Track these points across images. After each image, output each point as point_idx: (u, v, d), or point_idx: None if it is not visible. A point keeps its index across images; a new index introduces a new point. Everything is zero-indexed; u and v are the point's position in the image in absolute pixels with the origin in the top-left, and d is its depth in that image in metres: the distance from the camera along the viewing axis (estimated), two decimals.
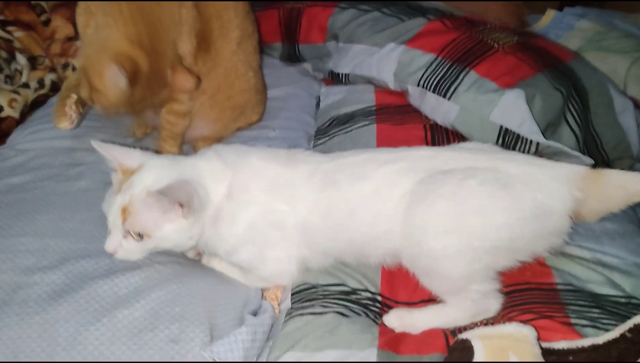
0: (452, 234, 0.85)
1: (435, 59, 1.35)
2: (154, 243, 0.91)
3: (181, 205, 0.88)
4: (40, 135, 1.32)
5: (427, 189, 0.88)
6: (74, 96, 1.28)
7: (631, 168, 1.38)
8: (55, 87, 1.60)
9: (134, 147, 1.00)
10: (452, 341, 0.85)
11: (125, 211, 0.88)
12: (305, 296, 0.96)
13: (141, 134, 1.41)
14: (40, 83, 1.60)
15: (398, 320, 0.90)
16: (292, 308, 0.94)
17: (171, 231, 0.90)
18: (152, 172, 0.92)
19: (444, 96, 1.30)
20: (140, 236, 0.89)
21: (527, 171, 0.89)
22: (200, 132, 1.40)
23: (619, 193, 0.90)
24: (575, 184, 0.88)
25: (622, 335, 0.79)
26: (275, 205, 0.95)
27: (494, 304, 0.90)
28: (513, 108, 1.21)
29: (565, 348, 0.82)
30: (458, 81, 1.29)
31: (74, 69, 1.62)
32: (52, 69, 1.63)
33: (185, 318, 0.86)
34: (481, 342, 0.81)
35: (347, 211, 0.92)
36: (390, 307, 0.94)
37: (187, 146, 1.40)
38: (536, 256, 0.91)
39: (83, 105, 1.30)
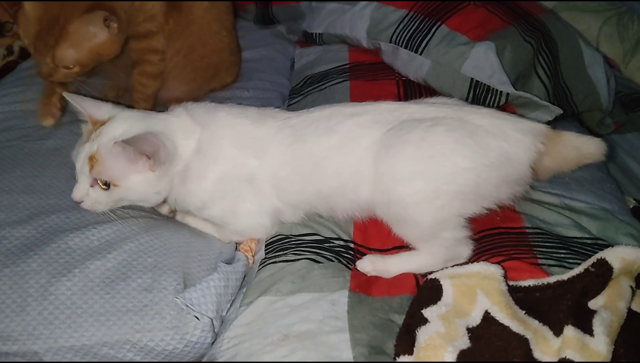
0: (419, 178, 0.86)
1: (407, 15, 1.35)
2: (120, 194, 0.91)
3: (148, 157, 0.88)
4: (10, 98, 1.30)
5: (394, 136, 0.88)
6: (59, 92, 1.25)
7: (601, 121, 1.40)
8: (25, 54, 1.57)
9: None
10: (421, 281, 0.87)
11: (92, 160, 0.88)
12: (279, 246, 0.96)
13: (113, 96, 1.39)
14: (9, 50, 1.58)
15: (371, 264, 0.91)
16: (265, 257, 0.95)
17: (137, 182, 0.90)
18: (121, 123, 0.92)
19: (416, 51, 1.30)
20: (107, 185, 0.89)
21: (492, 123, 0.90)
22: (173, 94, 1.38)
23: (573, 153, 0.93)
24: (538, 138, 0.90)
25: (586, 270, 0.81)
26: (244, 159, 0.95)
27: (465, 250, 0.92)
28: (483, 60, 1.21)
29: (532, 285, 0.84)
30: (429, 35, 1.29)
31: None
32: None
33: (158, 268, 0.87)
34: (450, 281, 0.82)
35: (312, 164, 0.93)
36: (363, 254, 0.96)
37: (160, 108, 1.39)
38: (501, 204, 0.92)
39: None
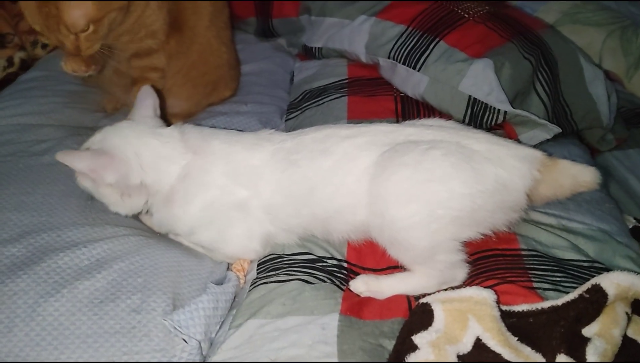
0: (414, 202, 0.85)
1: (406, 30, 1.34)
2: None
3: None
4: (7, 112, 1.30)
5: (390, 159, 0.88)
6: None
7: (602, 138, 1.38)
8: (25, 66, 1.58)
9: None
10: (414, 304, 0.85)
11: None
12: (271, 266, 0.96)
13: (111, 109, 1.40)
14: (10, 61, 1.58)
15: (364, 285, 0.90)
16: (257, 277, 0.94)
17: (90, 188, 0.96)
18: (107, 132, 0.96)
19: (414, 68, 1.29)
20: None
21: (489, 148, 0.89)
22: (171, 110, 1.39)
23: (568, 181, 0.93)
24: (534, 166, 0.89)
25: (580, 296, 0.80)
26: (234, 188, 0.95)
27: (460, 273, 0.90)
28: (481, 78, 1.20)
29: (525, 310, 0.83)
30: (428, 51, 1.29)
31: (43, 46, 1.60)
32: (22, 47, 1.61)
33: (148, 289, 0.86)
34: (441, 305, 0.81)
35: (308, 187, 0.92)
36: (356, 274, 0.95)
37: None
38: (495, 230, 0.92)
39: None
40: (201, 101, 1.41)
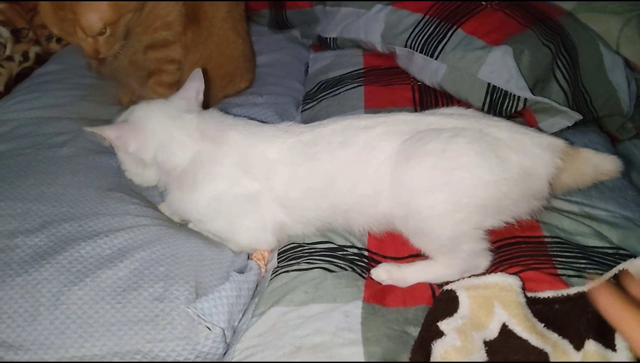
0: (440, 191, 0.84)
1: (422, 18, 1.33)
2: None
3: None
4: (25, 105, 1.31)
5: (413, 147, 0.87)
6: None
7: (622, 127, 1.37)
8: (40, 60, 1.58)
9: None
10: (438, 292, 0.85)
11: None
12: (292, 254, 0.95)
13: (127, 102, 1.40)
14: (25, 56, 1.58)
15: (386, 273, 0.89)
16: (278, 266, 0.94)
17: (121, 157, 1.00)
18: (139, 109, 0.99)
19: (432, 56, 1.28)
20: None
21: (512, 136, 0.88)
22: None
23: (590, 170, 0.92)
24: (557, 154, 0.88)
25: (607, 282, 0.79)
26: (245, 181, 0.95)
27: (483, 261, 0.89)
28: (500, 65, 1.19)
29: (551, 297, 0.81)
30: (445, 39, 1.27)
31: (58, 40, 1.60)
32: (37, 42, 1.61)
33: (170, 277, 0.86)
34: (466, 292, 0.80)
35: (327, 180, 0.92)
36: (377, 262, 0.94)
37: None
38: (518, 218, 0.90)
39: None
40: (217, 92, 1.41)
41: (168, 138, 0.96)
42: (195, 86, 1.03)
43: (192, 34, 1.30)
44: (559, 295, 0.81)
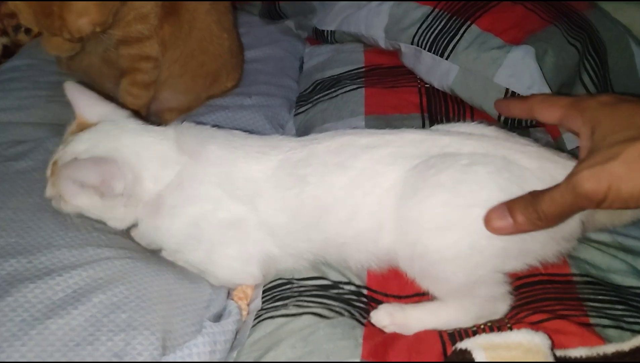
0: (453, 231, 0.70)
1: (432, 12, 1.19)
2: (72, 209, 0.83)
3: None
4: None
5: (422, 176, 0.73)
6: None
7: None
8: (8, 53, 1.44)
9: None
10: (449, 349, 0.71)
11: (54, 166, 0.81)
12: (278, 293, 0.82)
13: None
14: None
15: (388, 317, 0.76)
16: (262, 309, 0.81)
17: (86, 205, 0.82)
18: (92, 137, 0.82)
19: (442, 55, 1.14)
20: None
21: (542, 166, 0.73)
22: (168, 105, 1.26)
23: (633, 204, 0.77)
24: None
25: None
26: (229, 203, 0.81)
27: (502, 306, 0.77)
28: (520, 67, 1.05)
29: (584, 356, 0.68)
30: (457, 36, 1.13)
31: (27, 31, 1.46)
32: (4, 32, 1.47)
33: (133, 327, 0.72)
34: (484, 353, 0.67)
35: (318, 209, 0.78)
36: (378, 302, 0.81)
37: None
38: (544, 261, 0.77)
39: None
40: (200, 93, 1.27)
41: (150, 160, 0.83)
42: (94, 101, 0.89)
43: (171, 28, 1.16)
44: (594, 354, 0.68)
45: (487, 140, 0.77)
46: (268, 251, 0.82)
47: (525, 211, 0.64)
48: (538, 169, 0.72)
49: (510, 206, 0.65)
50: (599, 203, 0.59)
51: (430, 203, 0.71)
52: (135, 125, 0.86)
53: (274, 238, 0.81)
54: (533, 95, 0.75)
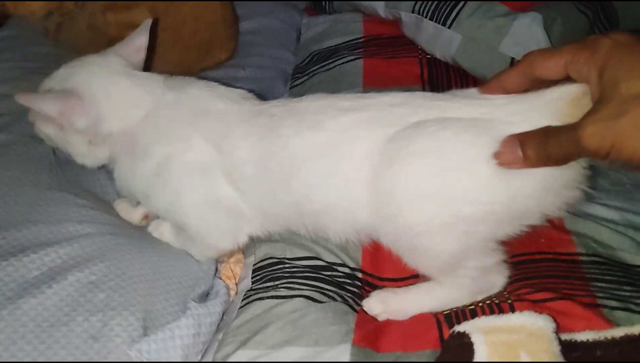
0: (432, 201, 0.65)
1: None
2: (44, 136, 0.82)
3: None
4: None
5: (396, 146, 0.67)
6: None
7: None
8: None
9: None
10: (446, 332, 0.67)
11: None
12: (269, 273, 0.78)
13: None
14: None
15: (381, 304, 0.72)
16: (251, 289, 0.77)
17: (52, 135, 0.80)
18: (69, 71, 0.80)
19: (444, 24, 1.09)
20: None
21: (515, 110, 0.65)
22: None
23: None
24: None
25: None
26: (200, 144, 0.75)
27: (499, 278, 0.72)
28: (527, 36, 1.00)
29: (592, 340, 0.64)
30: (460, 4, 1.08)
31: None
32: None
33: (111, 308, 0.68)
34: (484, 337, 0.62)
35: (289, 167, 0.72)
36: (373, 286, 0.77)
37: None
38: (548, 217, 0.70)
39: None
40: (193, 65, 1.22)
41: (125, 97, 0.78)
42: (136, 41, 0.84)
43: None
44: (602, 337, 0.64)
45: (460, 97, 0.70)
46: (235, 205, 0.76)
47: (537, 147, 0.59)
48: (510, 112, 0.65)
49: (522, 140, 0.60)
50: (602, 158, 0.55)
51: (404, 174, 0.65)
52: (118, 66, 0.81)
53: (240, 193, 0.76)
54: (527, 53, 0.65)
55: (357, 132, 0.69)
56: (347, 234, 0.74)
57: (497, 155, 0.61)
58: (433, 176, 0.65)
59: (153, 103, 0.78)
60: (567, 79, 0.63)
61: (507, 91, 0.67)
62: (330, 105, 0.73)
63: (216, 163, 0.75)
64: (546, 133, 0.59)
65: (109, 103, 0.77)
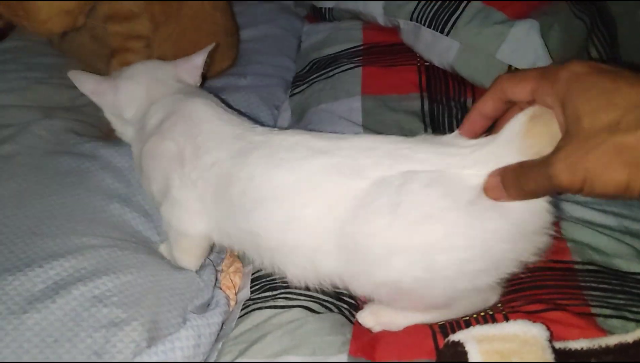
0: (403, 254, 0.63)
1: None
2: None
3: None
4: None
5: (361, 205, 0.65)
6: None
7: None
8: (1, 34, 1.40)
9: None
10: (441, 342, 0.68)
11: None
12: (267, 283, 0.79)
13: None
14: None
15: (374, 316, 0.72)
16: (250, 298, 0.78)
17: (108, 118, 0.95)
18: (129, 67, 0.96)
19: (442, 31, 1.09)
20: None
21: (480, 156, 0.64)
22: None
23: None
24: None
25: None
26: (178, 138, 0.80)
27: (492, 296, 0.72)
28: (525, 43, 1.00)
29: (586, 348, 0.65)
30: (458, 11, 1.08)
31: None
32: None
33: (114, 324, 0.70)
34: (478, 346, 0.63)
35: (251, 198, 0.71)
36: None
37: None
38: (523, 263, 0.67)
39: None
40: None
41: (143, 97, 0.90)
42: (194, 60, 0.95)
43: (161, 6, 1.12)
44: (596, 346, 0.64)
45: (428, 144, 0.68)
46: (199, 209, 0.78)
47: (515, 182, 0.59)
48: (473, 163, 0.64)
49: (502, 175, 0.60)
50: (576, 192, 0.54)
51: (371, 231, 0.64)
52: (160, 72, 0.94)
53: (203, 204, 0.77)
54: (498, 76, 0.64)
55: (322, 180, 0.68)
56: (308, 280, 0.71)
57: (485, 190, 0.61)
58: (401, 230, 0.63)
59: (163, 103, 0.87)
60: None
61: (487, 117, 0.67)
62: (305, 143, 0.71)
63: (188, 161, 0.78)
64: (521, 168, 0.59)
65: (127, 96, 0.90)
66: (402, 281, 0.63)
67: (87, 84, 0.90)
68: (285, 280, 0.78)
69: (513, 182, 0.59)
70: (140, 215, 0.90)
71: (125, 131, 0.94)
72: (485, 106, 0.65)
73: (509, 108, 0.66)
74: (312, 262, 0.69)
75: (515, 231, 0.63)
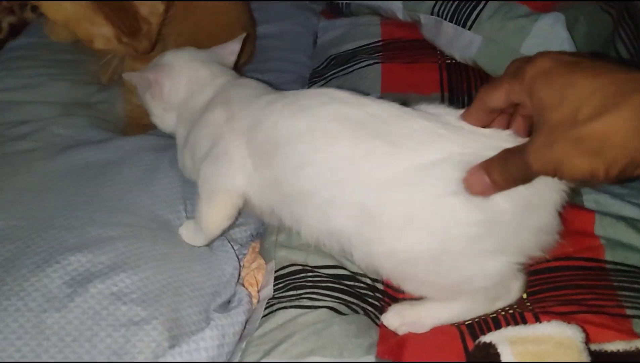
0: (423, 222, 0.63)
1: None
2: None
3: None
4: None
5: (383, 168, 0.65)
6: None
7: None
8: (15, 31, 1.40)
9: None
10: (470, 344, 0.66)
11: None
12: (292, 282, 0.77)
13: (107, 80, 1.22)
14: None
15: (398, 317, 0.70)
16: (273, 297, 0.76)
17: (150, 101, 0.93)
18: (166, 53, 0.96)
19: (464, 26, 1.07)
20: None
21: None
22: None
23: None
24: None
25: None
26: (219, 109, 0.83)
27: (515, 283, 0.70)
28: (550, 36, 0.98)
29: (622, 350, 0.63)
30: (480, 5, 1.06)
31: (33, 9, 1.42)
32: (11, 11, 1.42)
33: (134, 322, 0.68)
34: (510, 348, 0.61)
35: (272, 143, 0.72)
36: (393, 298, 0.75)
37: None
38: (529, 256, 0.67)
39: None
40: None
41: (195, 79, 0.91)
42: (231, 46, 0.98)
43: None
44: (633, 348, 0.62)
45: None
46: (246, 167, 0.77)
47: (502, 171, 0.60)
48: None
49: (486, 168, 0.60)
50: (553, 177, 0.57)
51: (393, 200, 0.64)
52: (205, 56, 0.95)
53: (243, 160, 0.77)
54: (480, 89, 0.65)
55: (340, 128, 0.68)
56: (321, 234, 0.71)
57: (467, 186, 0.61)
58: (425, 202, 0.63)
59: (211, 86, 0.89)
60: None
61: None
62: (327, 94, 0.73)
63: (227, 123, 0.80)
64: (505, 157, 0.60)
65: (178, 81, 0.90)
66: (415, 250, 0.64)
67: (145, 80, 0.90)
68: (310, 278, 0.76)
69: (499, 171, 0.60)
70: (160, 200, 0.87)
71: (165, 118, 0.93)
72: (471, 120, 0.67)
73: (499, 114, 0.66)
74: (325, 214, 0.68)
75: (520, 222, 0.64)
